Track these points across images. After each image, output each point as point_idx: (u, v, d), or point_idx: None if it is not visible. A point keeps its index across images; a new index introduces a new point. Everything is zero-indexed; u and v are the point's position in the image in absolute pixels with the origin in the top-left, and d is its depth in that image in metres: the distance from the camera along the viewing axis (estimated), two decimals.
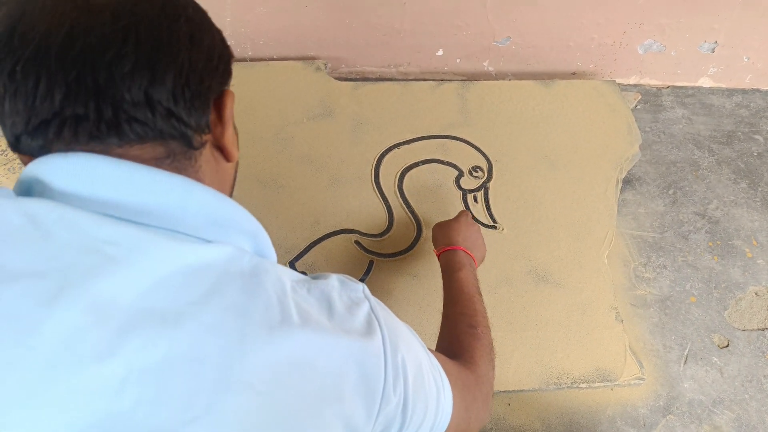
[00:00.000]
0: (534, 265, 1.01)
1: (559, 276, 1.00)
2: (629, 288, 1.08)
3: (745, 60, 1.38)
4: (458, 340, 0.63)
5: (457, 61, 1.33)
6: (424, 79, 1.30)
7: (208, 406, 0.32)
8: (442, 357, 0.52)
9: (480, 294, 0.73)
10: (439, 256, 0.81)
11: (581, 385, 0.91)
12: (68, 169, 0.34)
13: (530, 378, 0.91)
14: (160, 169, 0.36)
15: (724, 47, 1.34)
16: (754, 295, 1.11)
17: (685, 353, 1.02)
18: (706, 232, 1.18)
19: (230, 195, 0.45)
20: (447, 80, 1.25)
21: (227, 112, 0.40)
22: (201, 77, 0.37)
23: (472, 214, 1.05)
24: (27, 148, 0.35)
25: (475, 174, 1.10)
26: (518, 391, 0.91)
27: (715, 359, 1.02)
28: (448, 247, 0.80)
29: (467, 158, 1.12)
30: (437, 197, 1.07)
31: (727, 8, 1.25)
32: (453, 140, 1.14)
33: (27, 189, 0.36)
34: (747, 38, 1.33)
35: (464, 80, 1.26)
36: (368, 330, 0.40)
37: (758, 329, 1.07)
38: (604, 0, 1.21)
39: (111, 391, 0.30)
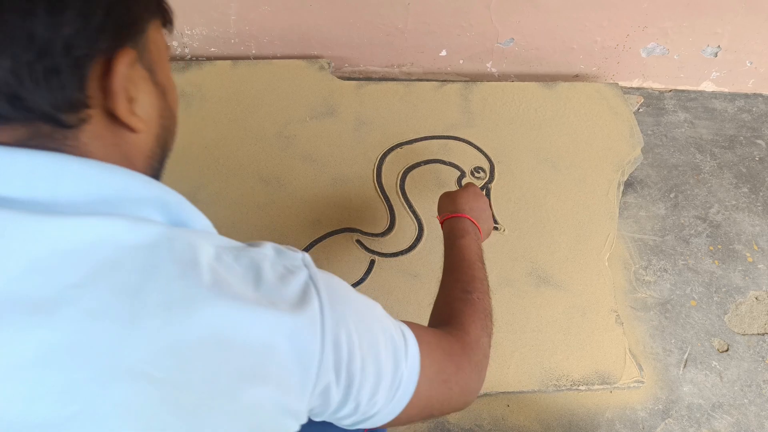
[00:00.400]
0: (535, 267, 1.01)
1: (560, 278, 1.00)
2: (630, 291, 1.08)
3: (748, 64, 1.38)
4: (449, 306, 0.59)
5: (461, 61, 1.33)
6: (427, 80, 1.30)
7: (90, 400, 0.29)
8: (418, 326, 0.48)
9: (483, 263, 0.67)
10: (442, 223, 0.75)
11: (580, 388, 0.91)
12: None
13: (530, 379, 0.91)
14: (21, 148, 0.30)
15: (727, 51, 1.34)
16: (754, 299, 1.11)
17: (685, 357, 1.02)
18: (707, 236, 1.18)
19: (154, 169, 0.40)
20: (450, 81, 1.25)
21: (116, 81, 0.33)
22: (66, 47, 0.30)
23: None
24: None
25: (477, 175, 1.10)
26: (517, 392, 0.91)
27: (714, 363, 1.02)
28: (454, 214, 0.74)
29: (469, 159, 1.12)
30: (439, 197, 1.07)
31: (730, 12, 1.26)
32: (455, 141, 1.14)
33: None
34: (750, 43, 1.33)
35: (467, 81, 1.26)
36: (302, 301, 0.36)
37: (758, 334, 1.07)
38: (607, 3, 1.21)
39: None
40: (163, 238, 0.32)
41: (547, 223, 1.06)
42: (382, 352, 0.42)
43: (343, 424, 0.44)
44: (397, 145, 1.12)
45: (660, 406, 0.97)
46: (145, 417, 0.30)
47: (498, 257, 1.01)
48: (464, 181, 1.09)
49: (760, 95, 1.45)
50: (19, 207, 0.30)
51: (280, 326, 0.35)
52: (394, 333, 0.44)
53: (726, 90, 1.44)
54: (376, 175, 1.08)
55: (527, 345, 0.93)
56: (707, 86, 1.44)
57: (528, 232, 1.05)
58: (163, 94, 0.39)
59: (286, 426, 0.37)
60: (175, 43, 1.24)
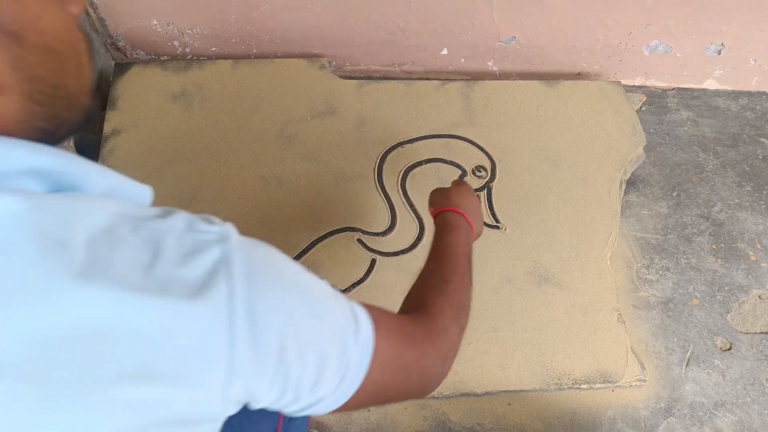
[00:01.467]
0: (536, 266, 1.01)
1: (562, 277, 1.00)
2: (632, 289, 1.08)
3: (752, 62, 1.38)
4: (422, 293, 0.57)
5: (462, 60, 1.33)
6: (429, 79, 1.30)
7: None
8: (379, 310, 0.45)
9: (470, 260, 0.65)
10: (435, 216, 0.73)
11: (582, 386, 0.91)
12: None
13: (531, 378, 0.90)
14: None
15: (730, 49, 1.34)
16: (757, 298, 1.10)
17: (687, 356, 1.02)
18: (710, 234, 1.17)
19: (45, 132, 0.33)
20: (451, 80, 1.25)
21: None
22: None
23: None
24: None
25: (478, 174, 1.10)
26: (519, 391, 0.90)
27: (717, 362, 1.02)
28: (448, 207, 0.72)
29: (471, 158, 1.12)
30: (431, 192, 1.07)
31: (734, 10, 1.25)
32: (456, 140, 1.14)
33: None
34: (754, 40, 1.32)
35: (468, 80, 1.26)
36: (205, 285, 0.31)
37: (761, 332, 1.06)
38: (610, 1, 1.21)
39: None
40: (25, 211, 0.28)
41: (548, 222, 1.06)
42: (324, 336, 0.38)
43: (286, 411, 0.40)
44: (398, 144, 1.12)
45: (662, 405, 0.96)
46: (19, 416, 0.27)
47: (499, 256, 1.01)
48: (466, 180, 1.09)
49: (764, 93, 1.44)
50: None
51: (171, 317, 0.30)
52: (341, 314, 0.40)
53: (729, 88, 1.44)
54: (377, 175, 1.08)
55: (529, 344, 0.93)
56: (710, 84, 1.43)
57: (529, 231, 1.05)
58: (17, 39, 0.30)
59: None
60: (176, 43, 1.24)
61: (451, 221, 0.70)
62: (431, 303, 0.54)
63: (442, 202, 0.75)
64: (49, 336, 0.27)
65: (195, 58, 1.27)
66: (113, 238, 0.30)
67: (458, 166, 1.11)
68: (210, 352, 0.31)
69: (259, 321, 0.33)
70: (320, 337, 0.38)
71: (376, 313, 0.44)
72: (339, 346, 0.39)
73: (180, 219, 0.34)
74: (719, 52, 1.35)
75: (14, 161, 0.29)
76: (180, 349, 0.30)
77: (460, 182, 0.81)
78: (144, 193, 0.36)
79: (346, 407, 0.42)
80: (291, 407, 0.39)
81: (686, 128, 1.35)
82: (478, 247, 1.03)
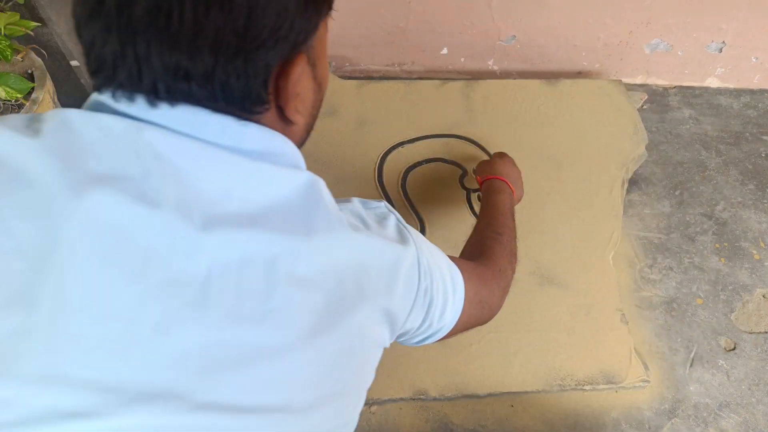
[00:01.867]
0: (538, 266, 1.00)
1: (564, 277, 0.99)
2: (635, 289, 1.07)
3: (754, 60, 1.37)
4: (481, 243, 0.71)
5: (462, 60, 1.32)
6: (429, 78, 1.30)
7: (284, 300, 0.36)
8: (458, 259, 0.57)
9: (513, 217, 0.80)
10: (481, 184, 0.90)
11: (585, 387, 0.90)
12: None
13: (534, 379, 0.90)
14: (218, 113, 0.37)
15: (731, 47, 1.33)
16: (761, 297, 1.09)
17: (691, 356, 1.01)
18: (713, 233, 1.17)
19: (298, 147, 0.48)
20: (451, 79, 1.25)
21: (290, 84, 0.39)
22: (257, 51, 0.36)
23: (476, 216, 1.04)
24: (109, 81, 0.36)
25: None
26: (522, 392, 0.90)
27: (721, 362, 1.01)
28: (493, 176, 0.88)
29: (471, 157, 1.11)
30: (441, 196, 1.06)
31: (735, 8, 1.24)
32: (457, 139, 1.13)
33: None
34: (755, 38, 1.31)
35: (469, 79, 1.25)
36: (402, 239, 0.45)
37: (765, 332, 1.05)
38: None
39: (198, 284, 0.33)
40: (312, 182, 0.40)
41: (550, 222, 1.05)
42: (447, 279, 0.51)
43: (412, 342, 0.53)
44: (398, 144, 1.12)
45: (666, 406, 0.95)
46: (316, 318, 0.37)
47: None
48: (465, 180, 1.09)
49: (766, 91, 1.43)
50: (220, 148, 0.37)
51: (401, 255, 0.43)
52: (449, 264, 0.53)
53: (731, 86, 1.43)
54: (378, 175, 1.07)
55: (531, 345, 0.92)
56: (712, 82, 1.42)
57: (531, 231, 1.04)
58: (320, 87, 0.45)
59: (385, 337, 0.44)
60: None
61: (496, 186, 0.85)
62: (491, 250, 0.68)
63: (486, 170, 0.91)
64: (344, 263, 0.39)
65: None
66: (342, 208, 0.43)
67: (459, 165, 1.10)
68: (413, 281, 0.45)
69: (425, 264, 0.47)
70: (444, 277, 0.50)
71: (457, 261, 0.56)
72: (451, 284, 0.52)
73: (356, 201, 0.47)
74: (720, 50, 1.34)
75: (295, 154, 0.42)
76: (403, 274, 0.44)
77: (501, 154, 0.97)
78: None
79: (450, 334, 0.55)
80: (419, 336, 0.52)
81: (688, 126, 1.34)
82: None
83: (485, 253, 0.67)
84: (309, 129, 0.46)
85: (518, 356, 0.91)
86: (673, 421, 0.94)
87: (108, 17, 0.33)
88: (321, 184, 0.41)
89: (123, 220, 0.32)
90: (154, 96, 0.35)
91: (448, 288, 0.51)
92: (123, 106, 0.36)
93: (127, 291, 0.32)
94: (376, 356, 0.44)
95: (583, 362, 0.92)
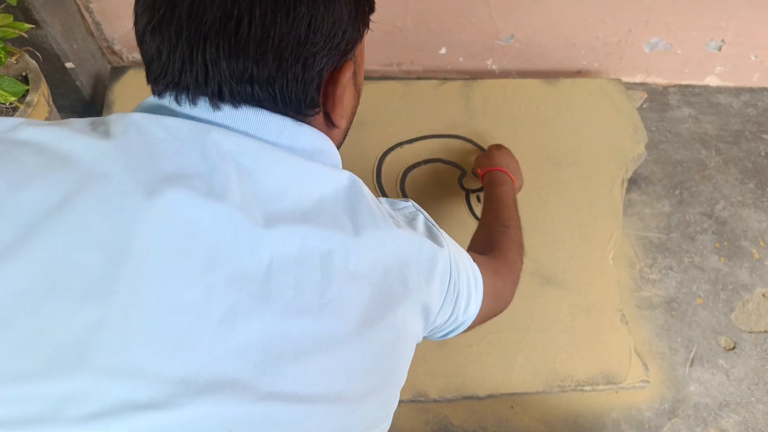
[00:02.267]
0: (538, 266, 1.00)
1: (564, 277, 0.99)
2: (635, 289, 1.07)
3: (753, 58, 1.36)
4: (490, 237, 0.72)
5: (461, 59, 1.32)
6: (427, 78, 1.29)
7: (339, 293, 0.37)
8: (474, 254, 0.59)
9: (516, 208, 0.82)
10: (483, 176, 0.92)
11: (585, 388, 0.90)
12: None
13: (534, 380, 0.90)
14: (279, 114, 0.40)
15: (731, 45, 1.33)
16: (761, 296, 1.09)
17: (691, 356, 1.01)
18: (713, 232, 1.16)
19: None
20: (450, 79, 1.24)
21: (339, 90, 0.42)
22: (312, 60, 0.39)
23: (475, 216, 1.04)
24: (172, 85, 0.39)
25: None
26: (522, 393, 0.90)
27: (721, 362, 1.01)
28: (493, 167, 0.91)
29: (470, 157, 1.11)
30: (440, 197, 1.06)
31: (734, 6, 1.24)
32: (456, 139, 1.13)
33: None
34: (755, 36, 1.31)
35: (468, 79, 1.25)
36: (434, 237, 0.47)
37: (765, 331, 1.05)
38: None
39: (260, 278, 0.35)
40: (354, 182, 0.42)
41: (550, 222, 1.05)
42: (470, 274, 0.53)
43: (437, 336, 0.55)
44: (397, 144, 1.11)
45: (666, 406, 0.95)
46: (366, 311, 0.39)
47: None
48: (464, 181, 1.08)
49: (766, 89, 1.43)
50: (279, 147, 0.40)
51: (436, 251, 0.45)
52: (470, 259, 0.55)
53: (731, 84, 1.43)
54: (376, 175, 1.07)
55: (531, 345, 0.92)
56: (711, 81, 1.42)
57: (531, 231, 1.03)
58: (359, 93, 0.49)
59: (419, 331, 0.46)
60: None
61: (497, 178, 0.88)
62: (500, 244, 0.70)
63: (486, 163, 0.94)
64: (389, 258, 0.41)
65: None
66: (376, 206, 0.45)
67: (458, 166, 1.10)
68: (446, 277, 0.47)
69: (453, 260, 0.49)
70: (468, 271, 0.53)
71: (474, 257, 0.58)
72: (474, 278, 0.54)
73: (384, 200, 0.48)
74: (719, 49, 1.33)
75: (335, 155, 0.45)
76: (439, 271, 0.45)
77: (498, 145, 1.00)
78: None
79: (470, 327, 0.57)
80: (444, 330, 0.54)
81: (688, 125, 1.34)
82: None
83: (495, 246, 0.69)
84: (346, 133, 0.49)
85: (518, 357, 0.91)
86: (673, 421, 0.94)
87: (179, 24, 0.36)
88: (361, 182, 0.43)
89: (193, 217, 0.34)
90: (218, 99, 0.38)
91: (471, 282, 0.53)
92: (185, 109, 0.38)
93: (195, 285, 0.33)
94: (412, 350, 0.46)
95: (583, 363, 0.92)
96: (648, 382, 0.93)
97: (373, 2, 0.44)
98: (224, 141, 0.37)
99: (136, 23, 0.39)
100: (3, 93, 0.91)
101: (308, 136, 0.41)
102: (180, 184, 0.34)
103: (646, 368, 0.93)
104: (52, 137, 0.34)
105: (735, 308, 1.07)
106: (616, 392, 0.95)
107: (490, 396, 0.90)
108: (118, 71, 1.16)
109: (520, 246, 0.73)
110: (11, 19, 0.91)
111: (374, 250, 0.40)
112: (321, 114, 0.43)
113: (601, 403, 0.94)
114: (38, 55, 1.02)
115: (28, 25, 0.94)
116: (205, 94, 0.38)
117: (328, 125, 0.44)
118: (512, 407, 0.92)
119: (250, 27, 0.36)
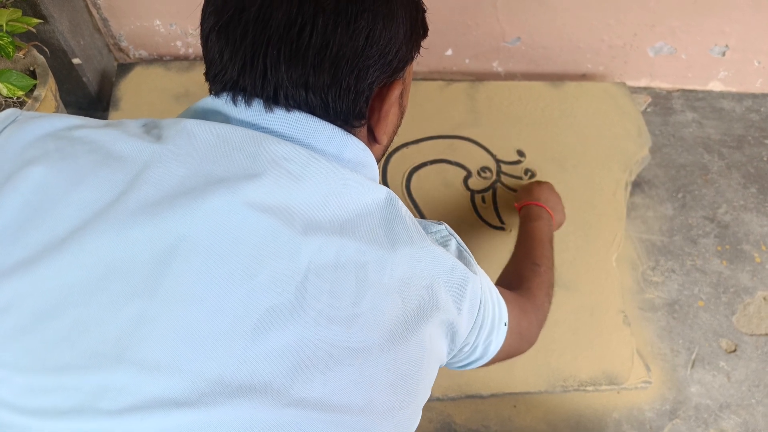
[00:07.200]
0: None
1: (567, 278, 1.00)
2: (637, 291, 1.08)
3: (756, 64, 1.37)
4: (519, 274, 0.71)
5: (466, 61, 1.33)
6: (433, 79, 1.30)
7: (371, 305, 0.37)
8: (501, 288, 0.58)
9: (551, 244, 0.79)
10: (520, 210, 0.89)
11: (588, 388, 0.91)
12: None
13: (537, 380, 0.90)
14: (328, 123, 0.41)
15: (735, 51, 1.33)
16: (762, 299, 1.10)
17: (693, 357, 1.02)
18: (715, 236, 1.17)
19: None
20: (456, 80, 1.25)
21: (386, 106, 0.43)
22: (365, 74, 0.40)
23: (480, 217, 1.04)
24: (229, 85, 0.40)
25: (483, 175, 1.10)
26: (525, 393, 0.90)
27: (722, 364, 1.02)
28: (530, 201, 0.88)
29: (475, 158, 1.12)
30: (445, 197, 1.07)
31: (738, 11, 1.25)
32: (461, 140, 1.14)
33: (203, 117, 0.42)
34: (758, 42, 1.32)
35: (473, 80, 1.25)
36: (466, 262, 0.47)
37: (766, 334, 1.06)
38: (615, 2, 1.21)
39: (297, 285, 0.35)
40: (391, 197, 0.42)
41: None
42: (496, 307, 0.52)
43: (456, 366, 0.54)
44: (402, 144, 1.12)
45: (667, 407, 0.96)
46: (394, 325, 0.39)
47: (504, 257, 1.00)
48: (470, 182, 1.09)
49: None
50: (326, 156, 0.40)
51: (467, 276, 0.45)
52: (497, 292, 0.54)
53: (734, 90, 1.44)
54: (382, 176, 1.08)
55: (534, 345, 0.93)
56: (715, 86, 1.43)
57: None
58: (402, 114, 0.49)
59: (444, 352, 0.45)
60: (179, 43, 1.24)
61: (533, 213, 0.85)
62: (529, 283, 0.68)
63: (524, 196, 0.91)
64: (420, 276, 0.41)
65: (198, 58, 1.26)
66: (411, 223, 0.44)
67: (463, 166, 1.10)
68: (475, 303, 0.46)
69: (483, 288, 0.48)
70: (494, 303, 0.51)
71: (502, 292, 0.56)
72: (499, 311, 0.52)
73: (415, 221, 0.48)
74: (723, 54, 1.34)
75: (377, 174, 0.46)
76: (468, 295, 0.45)
77: (539, 181, 0.96)
78: None
79: (490, 362, 0.56)
80: (464, 361, 0.53)
81: (691, 130, 1.35)
82: (482, 248, 1.03)
83: (523, 284, 0.68)
84: (385, 151, 0.50)
85: (521, 357, 0.91)
86: (674, 422, 0.95)
87: (245, 27, 0.37)
88: (398, 199, 0.43)
89: (237, 221, 0.35)
90: (273, 102, 0.39)
91: (496, 315, 0.52)
92: (240, 109, 0.40)
93: (235, 289, 0.34)
94: (435, 371, 0.45)
95: (585, 363, 0.92)
96: (650, 382, 0.93)
97: (427, 28, 0.46)
98: (274, 148, 0.38)
99: (202, 24, 0.40)
100: (11, 87, 0.91)
101: (354, 147, 0.42)
102: (226, 188, 0.35)
103: (648, 369, 0.94)
104: (107, 138, 0.36)
105: (736, 311, 1.08)
106: (618, 393, 0.95)
107: (493, 395, 0.90)
108: (124, 68, 1.17)
109: (550, 286, 0.71)
110: (20, 13, 0.92)
111: (408, 266, 0.40)
112: (365, 128, 0.44)
113: (603, 403, 0.95)
114: (46, 50, 1.02)
115: (36, 20, 0.94)
116: (260, 96, 0.39)
117: (370, 140, 0.45)
118: (515, 406, 0.93)
119: (311, 35, 0.37)
